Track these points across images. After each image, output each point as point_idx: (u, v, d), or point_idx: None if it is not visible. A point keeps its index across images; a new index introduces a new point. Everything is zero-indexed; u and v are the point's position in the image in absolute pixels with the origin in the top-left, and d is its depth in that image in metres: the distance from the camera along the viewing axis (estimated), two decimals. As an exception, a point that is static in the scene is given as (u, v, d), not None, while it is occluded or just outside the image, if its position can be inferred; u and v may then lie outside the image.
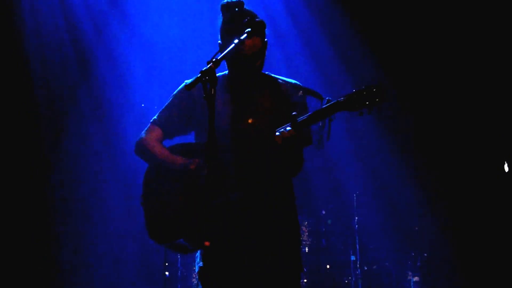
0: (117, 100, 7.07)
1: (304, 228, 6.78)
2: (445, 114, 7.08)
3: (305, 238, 6.81)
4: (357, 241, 6.82)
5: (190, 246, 3.11)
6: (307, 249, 6.80)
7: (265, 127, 3.11)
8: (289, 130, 2.97)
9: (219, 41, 3.26)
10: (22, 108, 6.38)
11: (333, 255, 6.94)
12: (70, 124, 6.89)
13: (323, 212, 7.06)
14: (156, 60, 7.22)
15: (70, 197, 6.77)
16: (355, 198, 6.95)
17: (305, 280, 6.61)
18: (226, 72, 3.34)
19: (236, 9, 3.17)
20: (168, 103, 3.39)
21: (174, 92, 3.41)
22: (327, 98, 3.02)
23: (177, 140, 3.41)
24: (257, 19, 3.04)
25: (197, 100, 3.20)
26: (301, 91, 3.27)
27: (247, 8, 3.21)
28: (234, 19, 3.14)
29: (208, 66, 2.68)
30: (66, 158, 6.82)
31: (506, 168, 6.53)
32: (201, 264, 3.15)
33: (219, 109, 3.14)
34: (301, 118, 3.01)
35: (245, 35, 2.94)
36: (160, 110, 3.39)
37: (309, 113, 3.02)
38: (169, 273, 6.24)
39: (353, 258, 6.83)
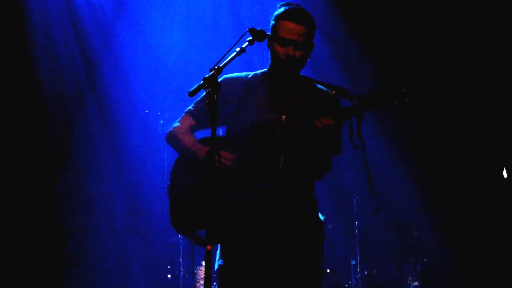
0: (122, 103, 7.16)
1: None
2: (446, 119, 7.09)
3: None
4: (357, 245, 6.83)
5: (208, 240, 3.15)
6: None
7: (297, 125, 3.11)
8: (328, 117, 3.00)
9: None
10: (32, 110, 6.55)
11: (333, 259, 6.96)
12: (77, 125, 7.01)
13: (324, 217, 7.07)
14: (161, 64, 7.30)
15: (76, 194, 6.89)
16: (355, 203, 6.98)
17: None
18: (266, 69, 3.39)
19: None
20: (203, 95, 3.37)
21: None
22: (356, 96, 3.05)
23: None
24: (258, 28, 3.11)
25: (228, 95, 3.23)
26: (335, 98, 3.29)
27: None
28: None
29: (211, 73, 2.74)
30: (73, 157, 6.94)
31: (505, 174, 6.55)
32: (221, 262, 3.15)
33: (256, 103, 3.23)
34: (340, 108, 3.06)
35: (247, 43, 3.02)
36: (196, 100, 3.40)
37: (347, 107, 3.05)
38: (171, 276, 6.29)
39: (353, 262, 6.84)
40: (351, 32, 7.25)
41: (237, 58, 2.95)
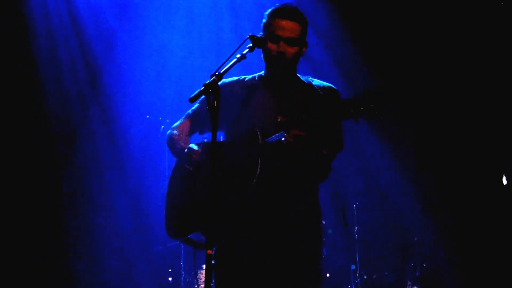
0: (124, 107, 7.21)
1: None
2: (446, 124, 7.09)
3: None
4: (357, 250, 6.84)
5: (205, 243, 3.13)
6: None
7: (293, 126, 3.10)
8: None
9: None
10: (36, 113, 6.67)
11: (333, 264, 6.97)
12: (80, 128, 7.10)
13: (324, 222, 7.09)
14: (162, 69, 7.34)
15: (79, 195, 6.98)
16: (355, 208, 7.00)
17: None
18: (263, 72, 3.42)
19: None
20: (202, 98, 3.37)
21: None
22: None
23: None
24: (258, 35, 3.14)
25: (226, 99, 3.17)
26: (335, 93, 3.31)
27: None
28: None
29: (212, 79, 2.78)
30: (76, 159, 7.03)
31: (504, 181, 6.55)
32: (212, 262, 3.09)
33: (254, 107, 3.26)
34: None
35: (247, 49, 3.06)
36: (195, 103, 3.39)
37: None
38: (172, 279, 6.31)
39: (353, 267, 6.84)
40: (352, 36, 7.26)
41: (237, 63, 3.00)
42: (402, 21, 7.01)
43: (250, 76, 3.44)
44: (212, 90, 2.75)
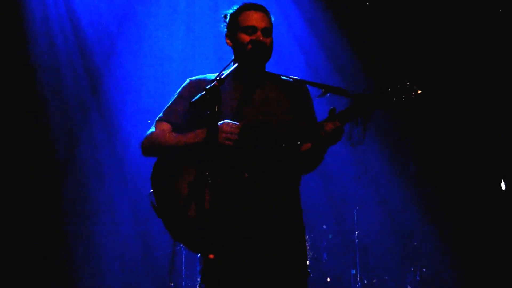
0: (123, 112, 7.25)
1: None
2: (446, 129, 7.10)
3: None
4: (357, 255, 6.84)
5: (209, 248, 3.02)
6: (308, 263, 6.83)
7: (272, 121, 3.13)
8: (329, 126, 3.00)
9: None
10: (37, 118, 6.71)
11: (333, 268, 6.98)
12: (80, 132, 7.12)
13: (324, 227, 7.12)
14: (163, 73, 7.36)
15: (80, 199, 7.00)
16: (355, 213, 7.01)
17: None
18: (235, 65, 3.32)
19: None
20: (174, 100, 3.37)
21: (179, 90, 3.41)
22: (353, 96, 3.05)
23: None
24: (259, 42, 3.18)
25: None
26: (304, 86, 3.31)
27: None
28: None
29: (213, 84, 2.78)
30: (77, 166, 7.07)
31: (503, 186, 6.55)
32: (205, 262, 3.07)
33: (230, 104, 3.19)
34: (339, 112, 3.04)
35: (249, 54, 3.12)
36: (165, 108, 3.36)
37: (347, 107, 3.03)
38: (173, 284, 6.31)
39: (353, 272, 6.86)
40: (350, 40, 7.29)
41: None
42: (401, 22, 7.02)
43: (215, 75, 3.28)
44: (213, 95, 2.76)
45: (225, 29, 3.35)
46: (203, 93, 2.77)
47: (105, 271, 6.92)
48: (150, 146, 3.28)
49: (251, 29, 3.21)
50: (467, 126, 6.99)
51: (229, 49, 3.41)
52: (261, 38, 3.20)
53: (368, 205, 7.28)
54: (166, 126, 3.30)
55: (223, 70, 2.98)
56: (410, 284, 6.92)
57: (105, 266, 6.93)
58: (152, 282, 6.90)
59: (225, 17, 3.37)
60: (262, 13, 3.27)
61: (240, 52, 3.24)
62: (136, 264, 7.03)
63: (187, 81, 3.41)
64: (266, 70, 3.36)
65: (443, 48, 6.89)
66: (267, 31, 3.24)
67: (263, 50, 3.21)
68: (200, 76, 3.42)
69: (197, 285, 6.16)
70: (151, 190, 3.18)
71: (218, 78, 2.83)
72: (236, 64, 3.02)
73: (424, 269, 6.92)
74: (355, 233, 6.94)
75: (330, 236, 7.10)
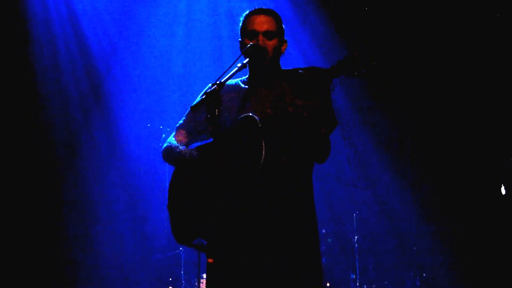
0: (124, 115, 7.26)
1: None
2: (447, 133, 7.09)
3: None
4: (356, 260, 6.84)
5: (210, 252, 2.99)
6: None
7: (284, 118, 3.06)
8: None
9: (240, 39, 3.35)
10: (37, 119, 6.76)
11: (333, 273, 6.97)
12: (81, 135, 7.14)
13: (323, 231, 7.11)
14: (164, 77, 7.38)
15: (80, 201, 7.00)
16: (355, 217, 7.00)
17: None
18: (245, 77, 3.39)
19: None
20: (193, 105, 3.41)
21: (200, 94, 3.32)
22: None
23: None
24: (256, 46, 3.17)
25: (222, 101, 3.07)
26: (318, 70, 3.16)
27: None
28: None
29: (213, 88, 2.79)
30: (77, 169, 7.07)
31: (503, 191, 6.54)
32: (211, 261, 2.93)
33: (243, 106, 3.20)
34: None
35: (248, 59, 3.10)
36: (186, 112, 3.42)
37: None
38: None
39: (352, 276, 6.85)
40: (348, 41, 7.28)
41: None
42: (399, 23, 7.01)
43: (234, 81, 3.38)
44: (213, 98, 2.77)
45: (239, 37, 3.36)
46: (203, 97, 2.78)
47: (103, 274, 6.91)
48: (165, 157, 3.42)
49: (252, 33, 3.23)
50: (467, 127, 6.96)
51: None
52: (260, 42, 3.20)
53: (367, 210, 7.27)
54: (182, 135, 3.41)
55: (224, 73, 2.97)
56: (409, 289, 6.92)
57: (103, 270, 6.92)
58: (151, 286, 6.88)
59: (239, 24, 3.39)
60: (265, 16, 3.27)
61: (245, 56, 3.24)
62: (134, 267, 7.02)
63: (208, 86, 3.40)
64: (283, 68, 3.36)
65: (443, 48, 6.87)
66: (270, 33, 3.24)
67: (260, 53, 3.20)
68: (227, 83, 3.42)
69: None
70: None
71: (218, 82, 2.83)
72: (237, 67, 3.00)
73: (424, 274, 6.91)
74: (354, 238, 6.93)
75: (329, 240, 7.09)
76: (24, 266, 6.35)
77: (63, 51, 6.97)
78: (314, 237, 3.18)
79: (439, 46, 6.90)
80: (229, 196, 2.99)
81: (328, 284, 6.86)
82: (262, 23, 3.24)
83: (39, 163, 6.67)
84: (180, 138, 3.39)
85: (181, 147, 3.32)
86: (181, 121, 3.43)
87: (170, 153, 3.36)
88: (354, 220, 6.98)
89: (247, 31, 3.25)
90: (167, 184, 3.32)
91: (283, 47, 3.34)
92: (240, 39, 3.33)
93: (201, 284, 6.12)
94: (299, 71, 3.16)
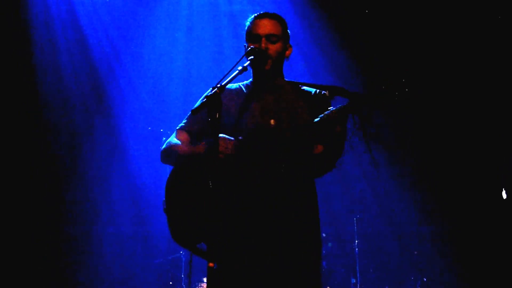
0: (125, 118, 7.28)
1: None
2: (448, 137, 7.09)
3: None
4: (357, 264, 6.84)
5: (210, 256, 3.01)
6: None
7: (286, 129, 3.11)
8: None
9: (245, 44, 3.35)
10: (40, 122, 6.81)
11: (333, 277, 6.96)
12: (84, 136, 7.17)
13: (324, 235, 7.10)
14: (165, 81, 7.39)
15: (82, 207, 7.02)
16: (355, 222, 6.99)
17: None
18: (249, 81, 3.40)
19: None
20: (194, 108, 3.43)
21: (201, 98, 3.35)
22: (352, 94, 2.98)
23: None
24: (257, 49, 3.16)
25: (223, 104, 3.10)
26: (325, 95, 3.23)
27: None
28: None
29: (213, 91, 2.78)
30: (79, 172, 7.09)
31: (504, 195, 6.54)
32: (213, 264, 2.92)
33: (248, 113, 3.20)
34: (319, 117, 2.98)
35: (248, 62, 3.10)
36: (186, 115, 3.40)
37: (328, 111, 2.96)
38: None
39: (353, 281, 6.85)
40: (347, 41, 7.28)
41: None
42: (397, 23, 7.02)
43: (235, 85, 3.40)
44: (213, 102, 2.76)
45: (245, 42, 3.37)
46: (204, 100, 2.78)
47: (105, 277, 6.90)
48: (165, 157, 3.37)
49: (255, 37, 3.24)
50: (467, 127, 6.95)
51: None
52: (263, 45, 3.20)
53: (368, 214, 7.27)
54: (184, 136, 3.37)
55: (225, 76, 2.96)
56: (410, 293, 6.92)
57: (104, 273, 6.91)
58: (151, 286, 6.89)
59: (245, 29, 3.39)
60: (269, 20, 3.28)
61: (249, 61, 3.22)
62: (136, 270, 7.02)
63: (209, 90, 3.39)
64: (287, 78, 3.38)
65: (443, 49, 6.87)
66: (273, 37, 3.24)
67: (261, 57, 3.20)
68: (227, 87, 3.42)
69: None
70: (164, 199, 3.24)
71: (218, 85, 2.83)
72: (237, 71, 2.99)
73: (425, 279, 6.90)
74: (355, 242, 6.92)
75: (329, 244, 7.09)
76: (26, 266, 6.36)
77: (64, 52, 6.99)
78: (315, 241, 3.17)
79: (439, 46, 6.89)
80: (232, 199, 2.99)
81: (328, 288, 6.87)
82: (265, 26, 3.25)
83: (41, 164, 6.69)
84: (181, 139, 3.36)
85: (183, 146, 3.28)
86: (182, 124, 3.41)
87: (171, 153, 3.32)
88: (355, 224, 6.97)
89: (251, 35, 3.26)
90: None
91: (287, 52, 3.34)
92: (245, 44, 3.33)
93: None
94: (323, 92, 3.19)
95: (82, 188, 7.01)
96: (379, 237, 7.23)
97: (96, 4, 7.18)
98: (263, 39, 3.21)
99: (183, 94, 7.20)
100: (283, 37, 3.29)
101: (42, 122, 6.78)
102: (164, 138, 6.49)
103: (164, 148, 3.38)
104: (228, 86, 3.29)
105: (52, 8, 6.93)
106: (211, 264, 2.70)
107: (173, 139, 3.37)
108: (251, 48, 3.18)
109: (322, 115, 2.96)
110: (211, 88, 2.94)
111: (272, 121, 3.16)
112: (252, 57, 3.15)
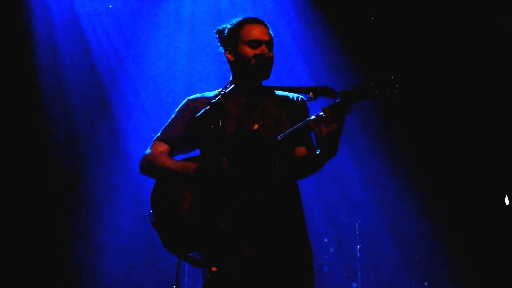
0: (129, 123, 7.30)
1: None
2: (448, 139, 7.10)
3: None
4: (359, 268, 6.84)
5: (203, 260, 3.05)
6: (312, 272, 6.80)
7: (269, 133, 3.09)
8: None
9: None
10: (42, 124, 6.84)
11: (335, 282, 6.97)
12: (86, 140, 7.20)
13: (326, 240, 7.13)
14: (167, 88, 7.41)
15: (86, 211, 7.02)
16: (357, 226, 7.00)
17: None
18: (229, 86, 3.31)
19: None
20: (172, 119, 3.37)
21: (177, 109, 3.41)
22: (339, 93, 2.96)
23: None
24: (266, 57, 3.19)
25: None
26: (309, 98, 3.14)
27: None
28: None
29: (217, 98, 2.82)
30: (81, 167, 7.13)
31: (507, 201, 6.52)
32: (208, 276, 2.99)
33: (231, 119, 3.15)
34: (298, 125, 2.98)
35: (255, 68, 3.16)
36: (164, 126, 3.36)
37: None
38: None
39: (354, 285, 6.85)
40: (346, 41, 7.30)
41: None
42: (399, 23, 7.04)
43: (214, 92, 3.35)
44: (217, 109, 2.80)
45: (223, 44, 3.34)
46: (207, 107, 2.81)
47: (108, 282, 6.92)
48: (144, 169, 3.29)
49: (255, 43, 3.20)
50: (468, 128, 6.96)
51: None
52: (266, 52, 3.18)
53: (370, 219, 7.27)
54: (162, 146, 3.31)
55: (227, 85, 3.01)
56: (411, 298, 6.92)
57: (107, 277, 6.93)
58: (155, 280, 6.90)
59: (220, 32, 3.36)
60: (265, 27, 3.27)
61: (243, 66, 3.21)
62: (139, 274, 7.03)
63: (185, 100, 3.41)
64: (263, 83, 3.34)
65: (444, 49, 6.89)
66: (270, 44, 3.25)
67: (268, 65, 3.20)
68: (198, 95, 3.42)
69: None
70: (151, 211, 3.18)
71: (222, 93, 2.87)
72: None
73: (426, 283, 6.90)
74: (356, 247, 6.93)
75: (331, 249, 7.10)
76: (28, 266, 6.38)
77: (68, 60, 7.02)
78: (304, 238, 3.15)
79: (439, 47, 6.90)
80: (220, 206, 2.94)
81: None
82: (264, 34, 3.24)
83: (42, 165, 6.72)
84: (160, 148, 3.30)
85: (164, 159, 3.22)
86: (159, 134, 3.36)
87: (150, 166, 3.25)
88: (356, 229, 6.98)
89: (247, 40, 3.20)
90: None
91: None
92: (228, 47, 3.28)
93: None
94: (306, 96, 3.13)
95: (84, 188, 7.02)
96: (381, 242, 7.24)
97: (97, 4, 7.22)
98: (264, 45, 3.20)
99: (185, 96, 7.22)
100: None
101: (43, 122, 6.81)
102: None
103: (141, 160, 3.31)
104: (206, 94, 3.38)
105: (52, 9, 6.97)
106: (214, 268, 2.74)
107: (150, 151, 3.32)
108: (259, 55, 3.15)
109: (307, 119, 2.93)
110: (186, 99, 3.17)
111: (255, 126, 3.09)
112: (260, 64, 3.15)
